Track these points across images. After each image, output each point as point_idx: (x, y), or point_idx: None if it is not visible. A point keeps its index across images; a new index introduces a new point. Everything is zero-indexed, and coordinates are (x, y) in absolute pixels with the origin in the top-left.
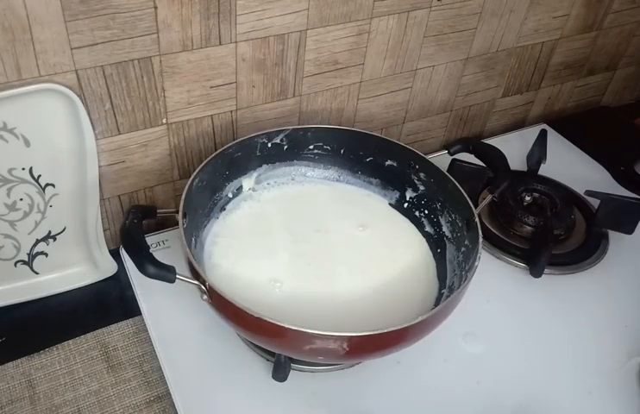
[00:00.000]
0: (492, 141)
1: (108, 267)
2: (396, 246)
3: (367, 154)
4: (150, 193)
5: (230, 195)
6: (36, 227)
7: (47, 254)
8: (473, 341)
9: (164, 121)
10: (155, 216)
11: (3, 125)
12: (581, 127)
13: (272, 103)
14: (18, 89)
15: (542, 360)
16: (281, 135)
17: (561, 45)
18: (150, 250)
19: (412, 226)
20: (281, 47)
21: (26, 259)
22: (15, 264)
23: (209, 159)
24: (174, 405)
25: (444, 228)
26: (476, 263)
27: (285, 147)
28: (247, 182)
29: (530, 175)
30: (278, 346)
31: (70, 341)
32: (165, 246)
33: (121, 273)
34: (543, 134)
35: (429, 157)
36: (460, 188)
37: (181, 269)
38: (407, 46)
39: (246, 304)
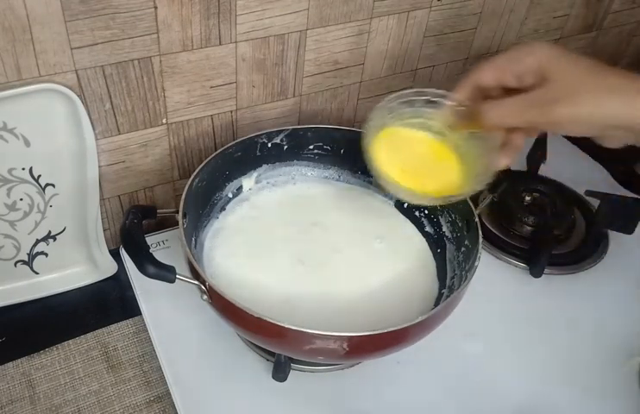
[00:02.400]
0: None
1: (108, 267)
2: (396, 245)
3: None
4: (150, 193)
5: (230, 195)
6: (36, 227)
7: (46, 254)
8: (473, 341)
9: (164, 121)
10: (155, 216)
11: (3, 125)
12: None
13: (272, 103)
14: (18, 89)
15: (542, 360)
16: (281, 135)
17: (562, 45)
18: (150, 250)
19: (412, 226)
20: (281, 46)
21: (26, 259)
22: (15, 264)
23: (209, 159)
24: (174, 405)
25: (444, 228)
26: (476, 263)
27: (285, 147)
28: (247, 182)
29: (530, 175)
30: (278, 346)
31: (70, 341)
32: (165, 246)
33: (121, 273)
34: (543, 134)
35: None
36: None
37: (181, 269)
38: (407, 46)
39: (246, 304)
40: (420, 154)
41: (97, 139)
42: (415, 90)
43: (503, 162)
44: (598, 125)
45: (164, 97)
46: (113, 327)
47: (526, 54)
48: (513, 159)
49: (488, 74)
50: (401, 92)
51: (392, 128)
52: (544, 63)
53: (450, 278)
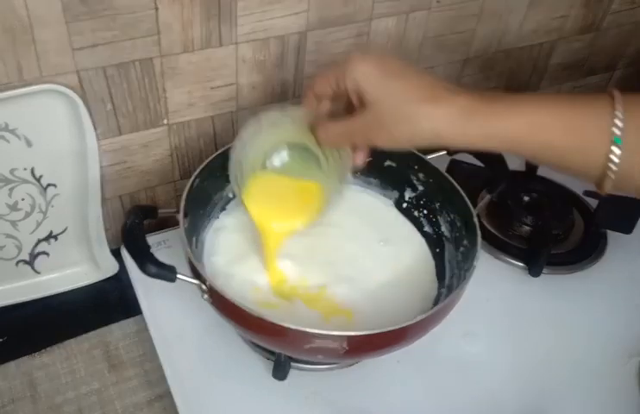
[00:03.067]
0: None
1: (109, 267)
2: (395, 245)
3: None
4: (151, 193)
5: (231, 195)
6: (38, 227)
7: (48, 254)
8: (472, 340)
9: (165, 121)
10: (156, 216)
11: (5, 125)
12: None
13: (272, 104)
14: (20, 89)
15: (541, 360)
16: None
17: (561, 45)
18: (151, 250)
19: (411, 226)
20: (281, 48)
21: (27, 258)
22: (17, 264)
23: (209, 159)
24: (175, 404)
25: (443, 228)
26: (475, 263)
27: None
28: None
29: (529, 175)
30: (278, 345)
31: (71, 341)
32: (166, 246)
33: (122, 273)
34: None
35: (428, 157)
36: (459, 188)
37: (182, 269)
38: (406, 47)
39: (246, 304)
40: (284, 193)
41: (98, 139)
42: (267, 114)
43: (358, 161)
44: (418, 145)
45: (165, 97)
46: (114, 326)
47: (344, 75)
48: (366, 156)
49: (322, 86)
50: (254, 121)
51: (256, 177)
52: (360, 86)
53: (449, 277)
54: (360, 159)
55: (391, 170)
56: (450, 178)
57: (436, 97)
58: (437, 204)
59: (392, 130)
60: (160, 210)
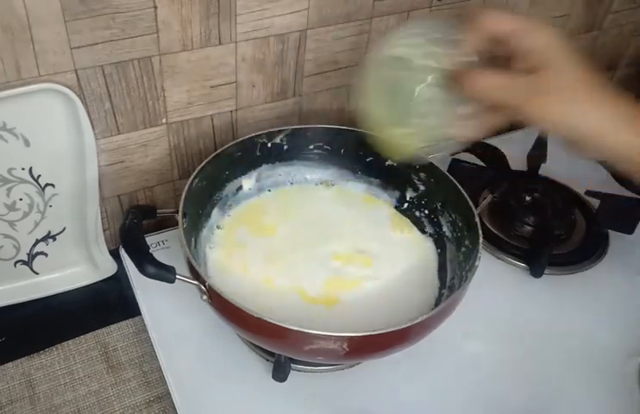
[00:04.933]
0: (492, 141)
1: (108, 267)
2: (396, 246)
3: (367, 154)
4: (150, 193)
5: (230, 195)
6: (36, 227)
7: (46, 254)
8: (473, 341)
9: (164, 120)
10: (155, 216)
11: (3, 125)
12: None
13: (272, 102)
14: (18, 89)
15: (542, 361)
16: (281, 135)
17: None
18: (150, 250)
19: (413, 226)
20: (281, 46)
21: (26, 259)
22: (15, 264)
23: (208, 159)
24: (174, 406)
25: (444, 228)
26: (476, 263)
27: (285, 147)
28: (247, 182)
29: (531, 175)
30: (278, 346)
31: (70, 342)
32: (164, 246)
33: (120, 273)
34: (544, 133)
35: (429, 157)
36: (460, 188)
37: (181, 269)
38: None
39: (245, 304)
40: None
41: (96, 139)
42: (426, 25)
43: (460, 132)
44: (573, 137)
45: (164, 96)
46: (113, 327)
47: (531, 34)
48: (470, 136)
49: (504, 26)
50: (410, 31)
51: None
52: (544, 52)
53: (450, 278)
54: (471, 129)
55: (392, 169)
56: (452, 178)
57: (616, 103)
58: (439, 204)
59: (565, 105)
60: (158, 210)
